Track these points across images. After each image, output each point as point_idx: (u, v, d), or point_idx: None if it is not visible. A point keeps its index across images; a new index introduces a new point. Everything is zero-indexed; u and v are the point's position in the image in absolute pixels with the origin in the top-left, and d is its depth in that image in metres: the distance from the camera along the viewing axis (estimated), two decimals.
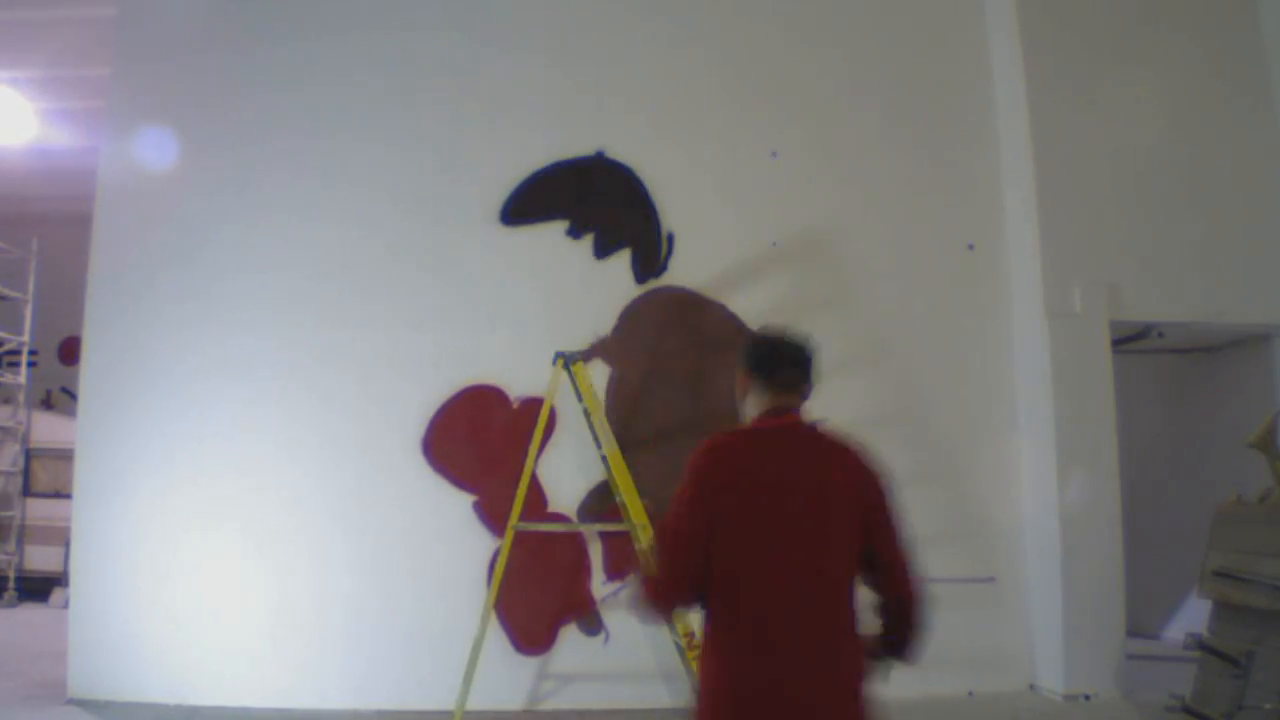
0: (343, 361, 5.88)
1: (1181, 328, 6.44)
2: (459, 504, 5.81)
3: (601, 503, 5.87)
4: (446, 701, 5.47)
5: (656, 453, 5.92)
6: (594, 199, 6.14)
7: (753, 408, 2.57)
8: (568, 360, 5.26)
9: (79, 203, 7.13)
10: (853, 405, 6.05)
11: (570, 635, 5.73)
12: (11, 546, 10.24)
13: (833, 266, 6.20)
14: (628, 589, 5.81)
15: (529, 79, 6.21)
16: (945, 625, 6.06)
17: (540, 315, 5.93)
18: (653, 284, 6.10)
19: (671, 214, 6.15)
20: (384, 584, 5.47)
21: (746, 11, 6.41)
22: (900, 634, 2.49)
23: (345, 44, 6.25)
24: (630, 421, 5.95)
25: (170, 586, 5.70)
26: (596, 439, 5.31)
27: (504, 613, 5.72)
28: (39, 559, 10.26)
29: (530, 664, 5.68)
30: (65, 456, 8.25)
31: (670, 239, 6.14)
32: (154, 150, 6.08)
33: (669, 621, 3.86)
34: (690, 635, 4.98)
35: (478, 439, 5.82)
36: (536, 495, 5.78)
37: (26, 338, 10.59)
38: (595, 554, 5.84)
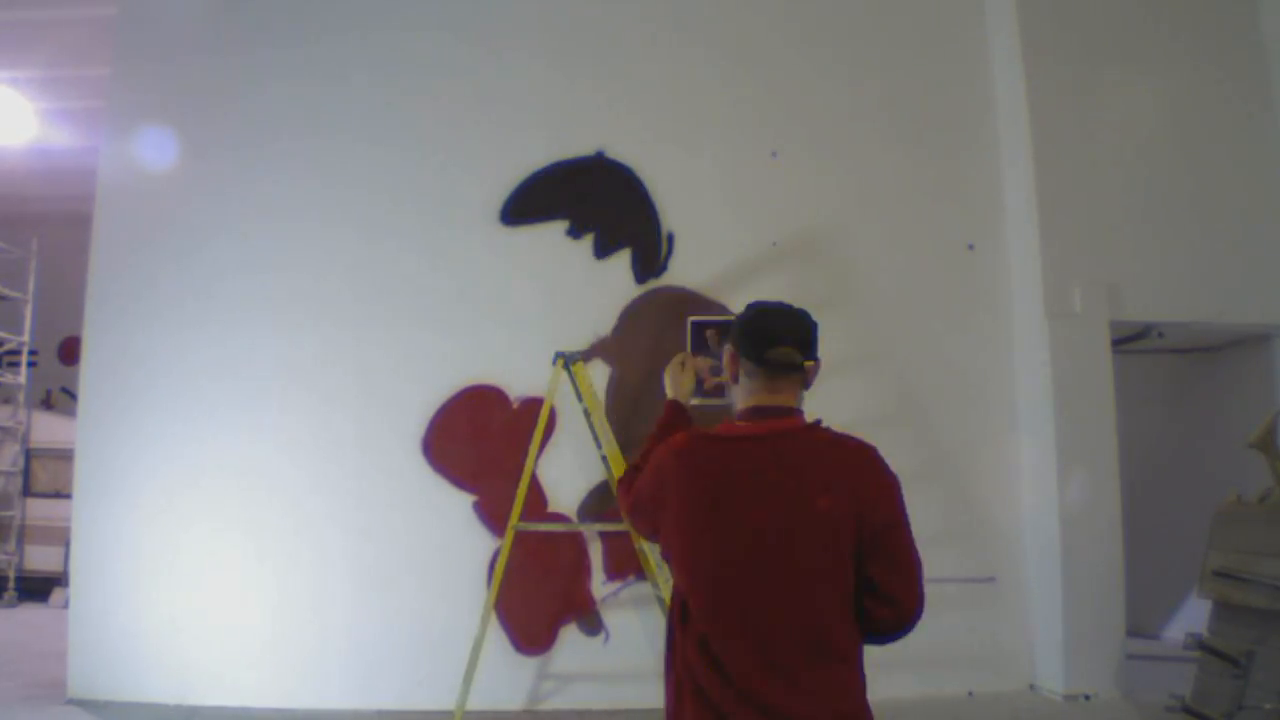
0: (342, 361, 5.89)
1: (1181, 328, 6.44)
2: (459, 504, 5.81)
3: (601, 503, 5.87)
4: (446, 701, 5.47)
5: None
6: (594, 199, 6.14)
7: (741, 397, 2.25)
8: (568, 360, 5.26)
9: (79, 203, 7.13)
10: (852, 405, 6.05)
11: (570, 635, 5.73)
12: (11, 546, 10.24)
13: (833, 266, 6.20)
14: (628, 589, 5.81)
15: (529, 79, 6.21)
16: (945, 625, 6.12)
17: (540, 315, 5.93)
18: (653, 284, 6.10)
19: (671, 214, 6.15)
20: (384, 584, 5.47)
21: (746, 11, 6.41)
22: (879, 640, 2.09)
23: (345, 44, 6.25)
24: (630, 421, 5.95)
25: (170, 586, 5.71)
26: (596, 439, 5.31)
27: (504, 613, 5.72)
28: (39, 559, 10.26)
29: (530, 664, 5.68)
30: (65, 456, 8.25)
31: (670, 239, 6.14)
32: (154, 150, 6.08)
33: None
34: None
35: (477, 439, 5.82)
36: (536, 495, 5.78)
37: (26, 338, 10.59)
38: (595, 554, 5.84)
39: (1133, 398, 6.73)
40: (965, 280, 6.30)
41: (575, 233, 6.12)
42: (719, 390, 2.86)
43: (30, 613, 9.41)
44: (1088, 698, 5.67)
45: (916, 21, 6.53)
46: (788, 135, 6.28)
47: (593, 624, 5.78)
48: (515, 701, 5.64)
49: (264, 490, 5.77)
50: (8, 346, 10.56)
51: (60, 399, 11.70)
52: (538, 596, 5.69)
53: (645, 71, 6.29)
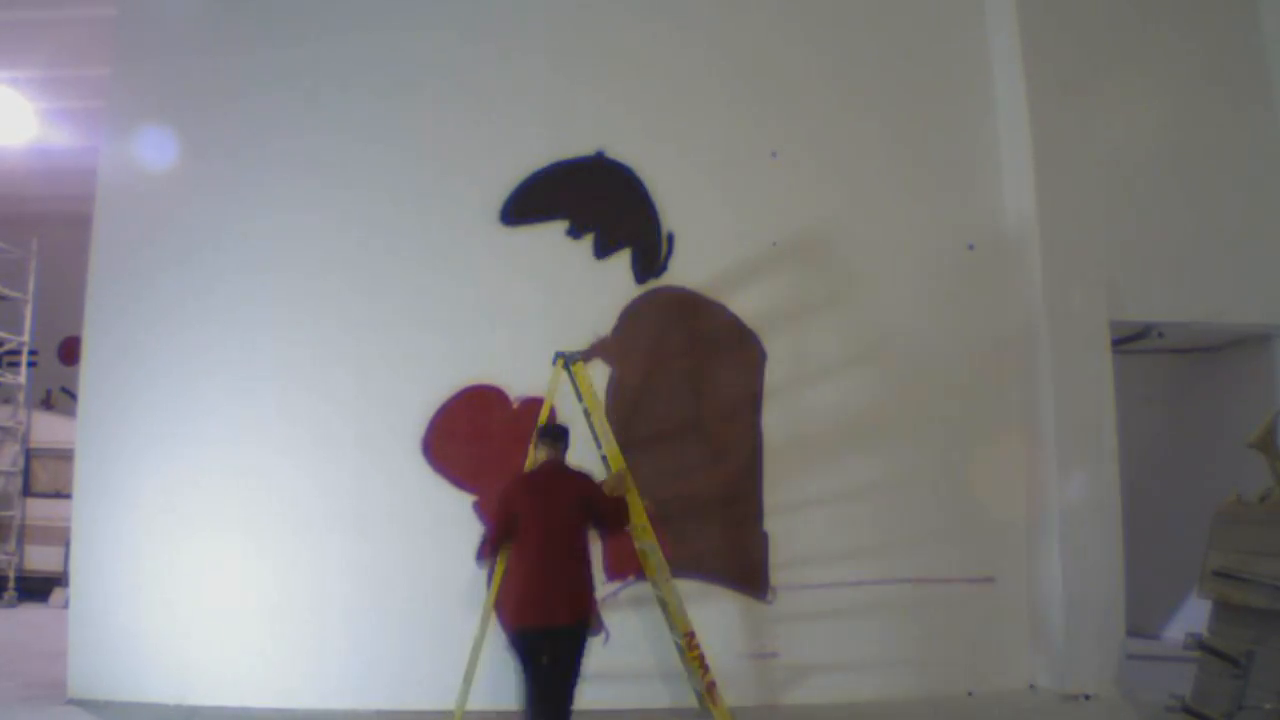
0: (342, 361, 5.89)
1: (1181, 328, 6.45)
2: (459, 504, 5.80)
3: None
4: (446, 701, 5.46)
5: (657, 452, 5.92)
6: (594, 199, 6.14)
7: (536, 456, 4.63)
8: (568, 360, 5.26)
9: (79, 203, 7.14)
10: (852, 405, 6.07)
11: None
12: (11, 546, 10.25)
13: (833, 266, 6.20)
14: (628, 589, 5.81)
15: (529, 79, 6.21)
16: (945, 625, 6.13)
17: (540, 315, 5.93)
18: (653, 284, 6.10)
19: (671, 214, 6.15)
20: (383, 584, 5.47)
21: (747, 12, 6.41)
22: (611, 531, 4.75)
23: (345, 45, 6.25)
24: (630, 421, 5.95)
25: (170, 586, 5.71)
26: (596, 439, 5.31)
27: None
28: (39, 559, 10.27)
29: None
30: (65, 456, 8.25)
31: (670, 239, 6.14)
32: (154, 150, 6.09)
33: (493, 563, 4.79)
34: (690, 635, 4.98)
35: (477, 439, 5.81)
36: None
37: (26, 338, 10.60)
38: (595, 554, 5.83)
39: (1133, 398, 6.73)
40: (965, 280, 6.30)
41: (575, 233, 6.12)
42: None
43: (30, 613, 9.41)
44: (1088, 698, 5.67)
45: (917, 22, 6.53)
46: (788, 135, 6.28)
47: (593, 624, 5.77)
48: (515, 702, 5.64)
49: (264, 490, 5.77)
50: (8, 346, 10.56)
51: (60, 399, 11.70)
52: None
53: (645, 71, 6.29)
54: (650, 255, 6.13)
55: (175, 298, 5.97)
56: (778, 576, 5.87)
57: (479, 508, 5.75)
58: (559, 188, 6.12)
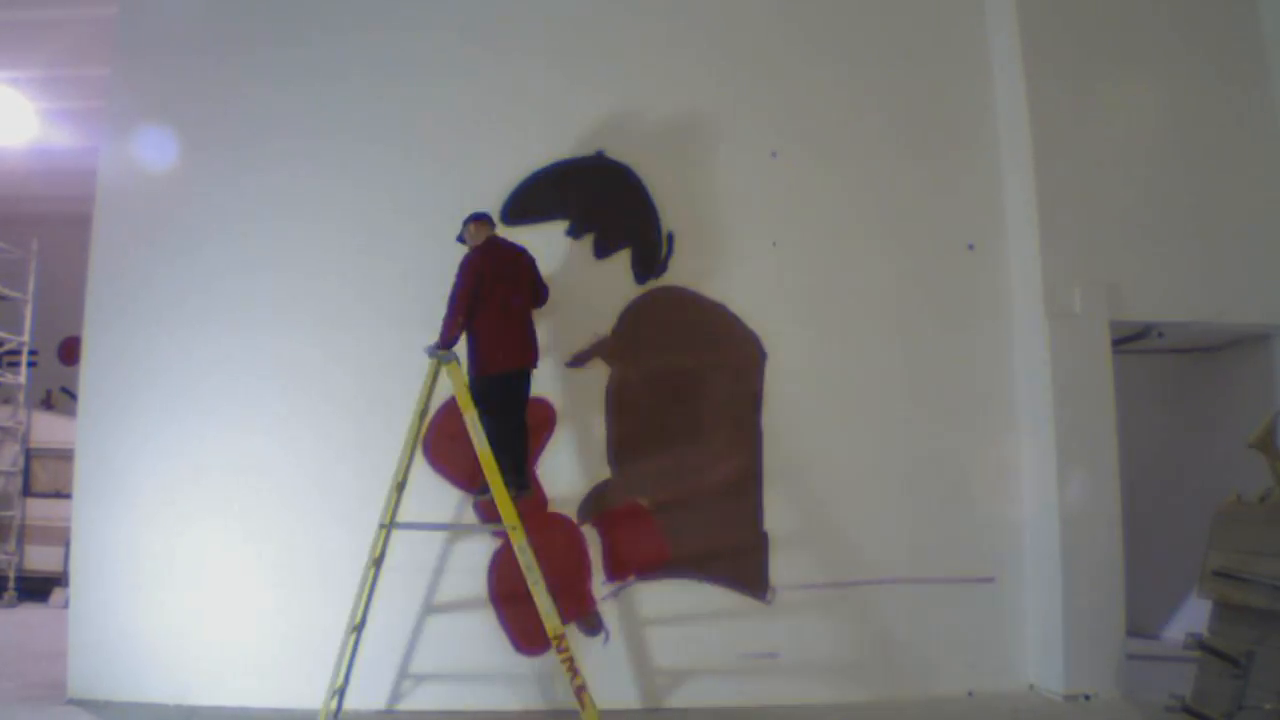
0: (342, 361, 5.89)
1: (1181, 328, 6.44)
2: (459, 504, 5.81)
3: (601, 502, 5.88)
4: (446, 701, 5.49)
5: (656, 452, 5.93)
6: (594, 199, 6.14)
7: (477, 236, 5.47)
8: (440, 359, 5.20)
9: (79, 203, 7.14)
10: (853, 405, 6.07)
11: (570, 635, 5.72)
12: (11, 546, 10.24)
13: (832, 266, 6.20)
14: (627, 588, 5.82)
15: (529, 79, 6.21)
16: (945, 625, 6.13)
17: (541, 315, 5.92)
18: (653, 284, 6.10)
19: (671, 214, 6.15)
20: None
21: (747, 12, 6.41)
22: (539, 301, 5.66)
23: (345, 44, 6.26)
24: (630, 421, 5.95)
25: (170, 586, 5.71)
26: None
27: (504, 613, 5.72)
28: (39, 559, 10.26)
29: (530, 664, 5.68)
30: (65, 456, 8.25)
31: (670, 239, 6.14)
32: (154, 150, 6.09)
33: (461, 330, 5.21)
34: (561, 638, 4.91)
35: None
36: (537, 495, 5.79)
37: (26, 338, 10.59)
38: (595, 554, 5.85)
39: (1133, 398, 6.73)
40: (965, 280, 6.30)
41: (575, 233, 6.12)
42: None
43: (30, 613, 9.41)
44: (1088, 698, 5.67)
45: (917, 22, 6.53)
46: (788, 135, 6.28)
47: (593, 624, 5.79)
48: (515, 701, 5.65)
49: (264, 490, 5.77)
50: (8, 346, 10.56)
51: (60, 399, 11.70)
52: None
53: (645, 71, 6.29)
54: (650, 255, 6.13)
55: (175, 297, 5.98)
56: (778, 576, 5.87)
57: (479, 508, 5.76)
58: (559, 188, 6.12)
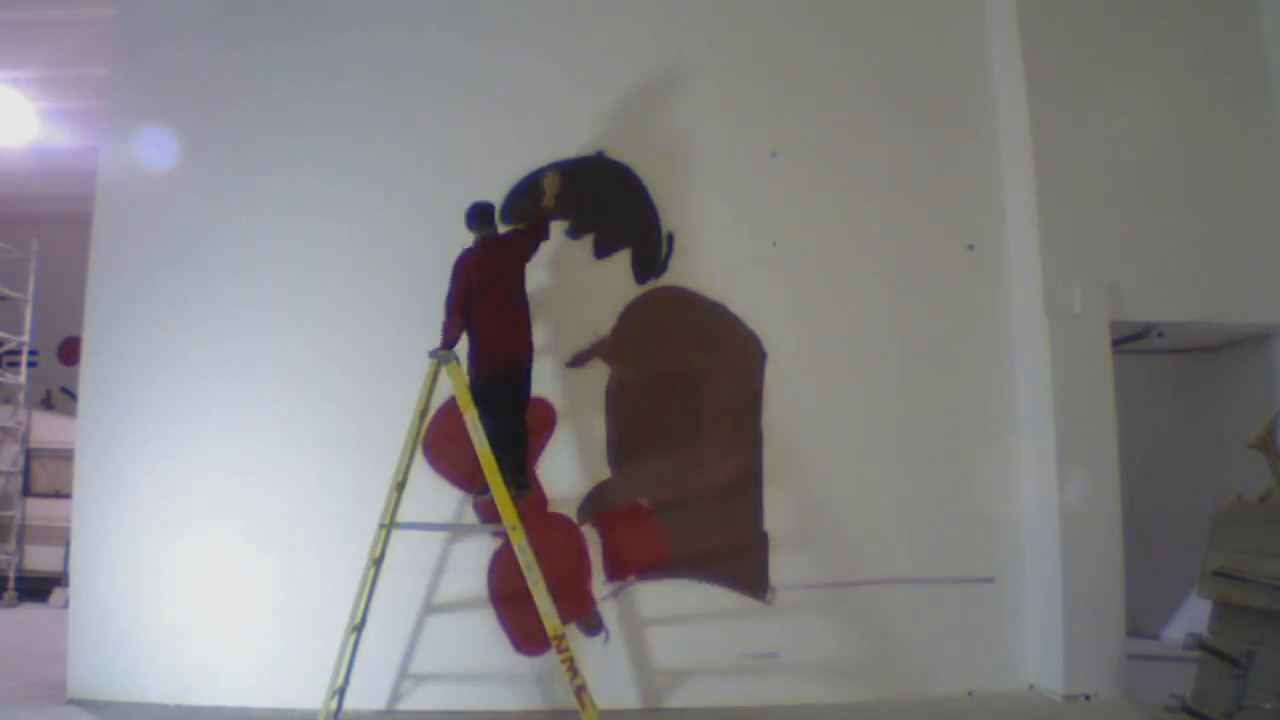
0: (342, 361, 5.89)
1: (1181, 328, 6.44)
2: (459, 504, 5.81)
3: (601, 502, 5.88)
4: (446, 701, 5.49)
5: (656, 452, 5.93)
6: (594, 199, 6.14)
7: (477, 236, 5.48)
8: (441, 360, 5.21)
9: (79, 203, 7.14)
10: (852, 404, 6.07)
11: (570, 635, 5.72)
12: (11, 546, 10.24)
13: (832, 266, 6.20)
14: (627, 588, 5.82)
15: (528, 79, 6.21)
16: (945, 625, 6.13)
17: (540, 315, 5.92)
18: (653, 284, 6.10)
19: (671, 214, 6.15)
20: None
21: (747, 11, 6.41)
22: (539, 239, 5.67)
23: (345, 44, 6.25)
24: (630, 421, 5.95)
25: (170, 586, 5.71)
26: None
27: (504, 613, 5.72)
28: (39, 559, 10.26)
29: (530, 664, 5.68)
30: (65, 456, 8.24)
31: (670, 239, 6.14)
32: (154, 150, 6.09)
33: (460, 330, 5.25)
34: (561, 638, 4.91)
35: None
36: (537, 495, 5.78)
37: (26, 338, 10.59)
38: (595, 554, 5.85)
39: (1133, 398, 6.73)
40: (965, 280, 6.30)
41: (575, 233, 6.12)
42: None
43: (30, 613, 9.41)
44: (1088, 698, 5.67)
45: (917, 22, 6.53)
46: (788, 135, 6.28)
47: (593, 624, 5.79)
48: (515, 701, 5.65)
49: (264, 491, 5.77)
50: (8, 346, 10.56)
51: (60, 399, 11.69)
52: None
53: (645, 71, 6.29)
54: (650, 255, 6.13)
55: (175, 297, 5.98)
56: (778, 576, 5.87)
57: (479, 508, 5.76)
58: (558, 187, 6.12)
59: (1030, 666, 5.96)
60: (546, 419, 5.90)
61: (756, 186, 6.22)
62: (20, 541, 10.34)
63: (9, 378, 10.58)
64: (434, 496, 5.75)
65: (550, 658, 5.35)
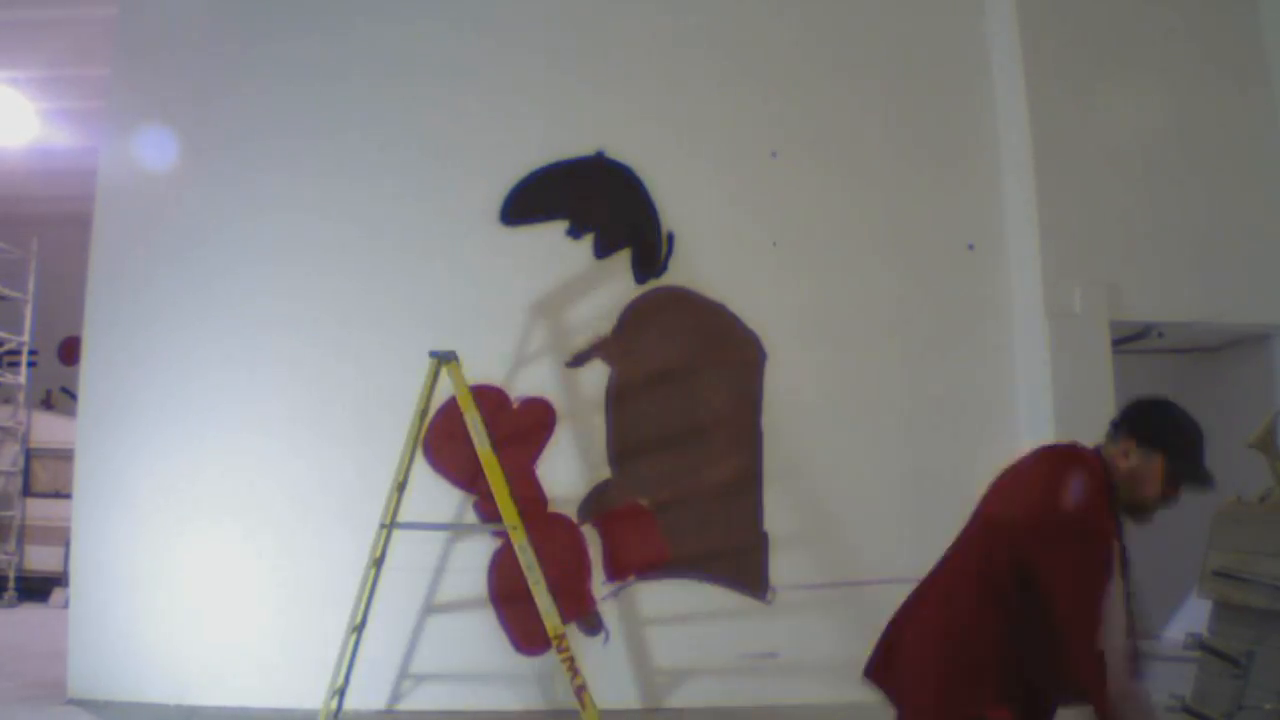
0: (343, 364, 5.89)
1: (1181, 328, 6.44)
2: (459, 504, 5.81)
3: (601, 502, 5.88)
4: (446, 701, 5.49)
5: (656, 452, 5.93)
6: (594, 199, 6.14)
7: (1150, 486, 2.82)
8: (441, 359, 5.21)
9: (79, 203, 7.14)
10: (852, 405, 6.07)
11: (570, 635, 5.72)
12: (11, 546, 10.24)
13: (832, 266, 6.20)
14: (627, 588, 5.81)
15: (529, 79, 6.21)
16: None
17: (540, 315, 5.93)
18: (653, 284, 6.10)
19: (671, 214, 6.15)
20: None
21: (747, 11, 6.41)
22: None
23: (345, 43, 6.26)
24: (630, 421, 5.95)
25: (170, 586, 5.71)
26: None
27: (504, 613, 5.72)
28: (39, 559, 10.26)
29: (530, 664, 5.68)
30: (65, 456, 8.25)
31: (670, 239, 6.14)
32: (154, 150, 6.09)
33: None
34: (561, 638, 4.91)
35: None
36: (536, 495, 5.79)
37: (26, 338, 10.59)
38: (595, 554, 5.85)
39: (1133, 398, 6.72)
40: (965, 280, 6.30)
41: (575, 233, 6.12)
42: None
43: (30, 613, 9.41)
44: None
45: (917, 22, 6.52)
46: (788, 135, 6.28)
47: (593, 624, 5.79)
48: (515, 701, 5.65)
49: (265, 491, 5.77)
50: (8, 346, 10.55)
51: (60, 399, 11.69)
52: None
53: (645, 71, 6.29)
54: (650, 255, 6.13)
55: (175, 297, 5.97)
56: (778, 576, 5.87)
57: (479, 508, 5.76)
58: (559, 188, 6.12)
59: None
60: (546, 419, 5.90)
61: (756, 186, 6.22)
62: (20, 541, 10.34)
63: (9, 378, 10.58)
64: (434, 496, 5.75)
65: (550, 658, 5.35)
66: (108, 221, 6.06)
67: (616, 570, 5.84)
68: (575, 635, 5.69)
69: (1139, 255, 6.18)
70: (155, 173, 6.09)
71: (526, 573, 4.95)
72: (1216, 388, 7.17)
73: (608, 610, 5.80)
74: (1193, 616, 6.24)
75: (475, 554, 5.77)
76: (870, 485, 5.98)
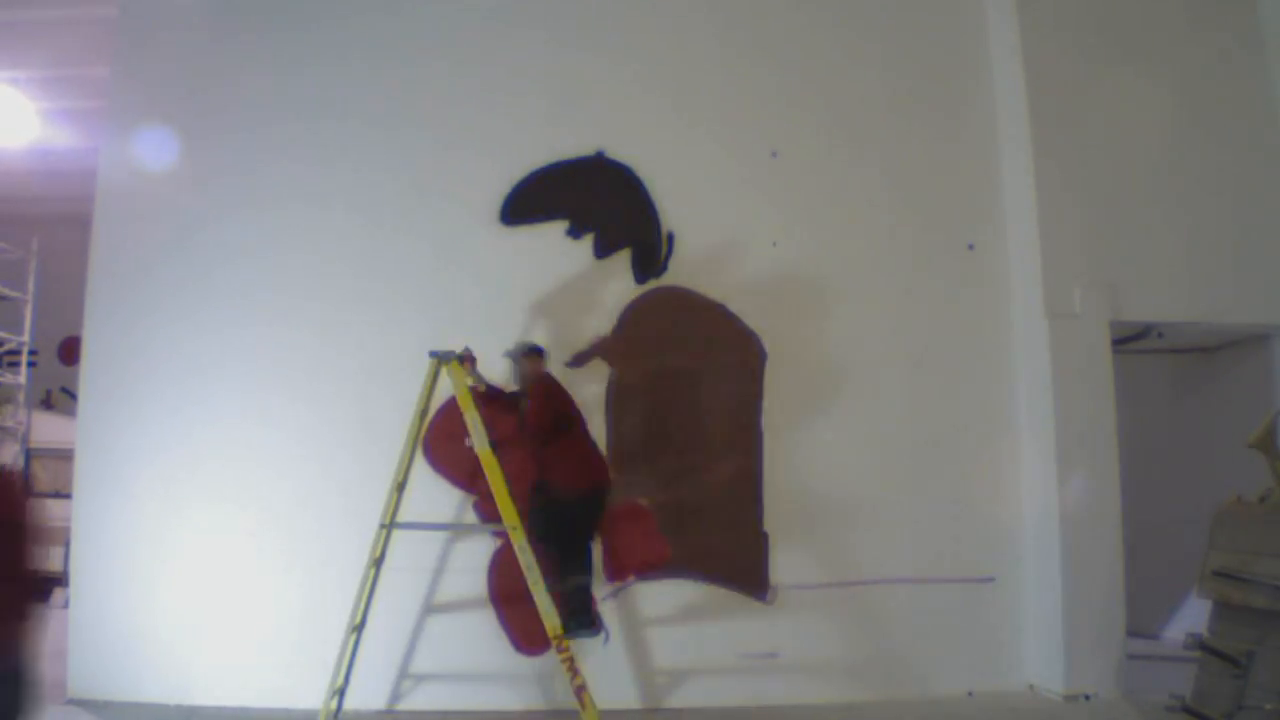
0: (344, 364, 5.89)
1: (1181, 328, 6.44)
2: (459, 504, 5.81)
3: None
4: (446, 701, 5.49)
5: (656, 452, 5.93)
6: (594, 199, 6.14)
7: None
8: (441, 359, 5.20)
9: (79, 203, 7.12)
10: (853, 405, 6.07)
11: None
12: None
13: (833, 266, 6.20)
14: (627, 588, 5.82)
15: (529, 78, 6.21)
16: (945, 625, 6.13)
17: (541, 315, 5.93)
18: (653, 284, 6.10)
19: (671, 214, 6.15)
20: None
21: (747, 12, 6.41)
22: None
23: (346, 43, 6.25)
24: (630, 421, 5.95)
25: (170, 586, 5.71)
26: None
27: (504, 613, 5.72)
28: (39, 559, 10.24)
29: (530, 664, 5.68)
30: (65, 456, 8.23)
31: (670, 239, 6.14)
32: (154, 150, 6.08)
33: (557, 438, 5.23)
34: (560, 638, 4.91)
35: None
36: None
37: (26, 338, 10.59)
38: (595, 554, 5.84)
39: (1133, 398, 6.73)
40: (965, 280, 6.30)
41: (575, 233, 6.12)
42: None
43: None
44: (1088, 698, 5.67)
45: (917, 22, 6.53)
46: (788, 135, 6.28)
47: (593, 624, 5.77)
48: (515, 701, 5.64)
49: (265, 492, 5.77)
50: (8, 346, 10.56)
51: (60, 399, 11.69)
52: None
53: (645, 70, 6.29)
54: (650, 255, 6.13)
55: (175, 295, 5.97)
56: (778, 576, 5.87)
57: (479, 508, 5.76)
58: (559, 188, 6.12)
59: (1030, 666, 5.96)
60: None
61: (756, 186, 6.22)
62: None
63: (9, 378, 10.58)
64: (434, 496, 5.75)
65: (550, 658, 5.35)
66: (108, 221, 6.06)
67: (616, 570, 5.84)
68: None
69: (1139, 255, 6.19)
70: (155, 173, 6.08)
71: (526, 573, 4.95)
72: (1216, 388, 7.18)
73: (608, 610, 5.80)
74: (1193, 616, 6.26)
75: (475, 554, 5.77)
76: (870, 485, 5.99)
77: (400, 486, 5.22)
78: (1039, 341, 6.05)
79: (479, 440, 5.07)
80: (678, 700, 5.70)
